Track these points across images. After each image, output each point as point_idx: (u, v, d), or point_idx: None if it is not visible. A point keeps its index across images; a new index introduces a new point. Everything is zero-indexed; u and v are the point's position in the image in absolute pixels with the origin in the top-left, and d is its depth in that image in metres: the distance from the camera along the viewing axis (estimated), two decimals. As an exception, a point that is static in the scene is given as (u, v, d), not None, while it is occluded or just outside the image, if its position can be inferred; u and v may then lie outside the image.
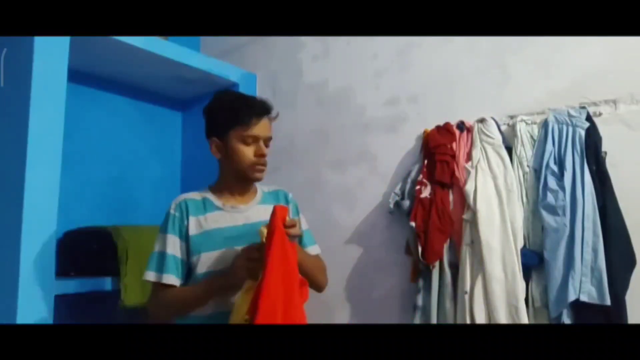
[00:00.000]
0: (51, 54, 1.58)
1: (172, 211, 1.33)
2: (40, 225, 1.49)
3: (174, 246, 1.29)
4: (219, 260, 1.29)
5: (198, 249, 1.29)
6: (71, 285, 1.65)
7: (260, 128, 1.31)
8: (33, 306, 1.45)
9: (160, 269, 1.26)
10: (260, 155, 1.32)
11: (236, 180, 1.37)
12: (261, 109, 1.32)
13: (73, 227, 1.94)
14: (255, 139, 1.31)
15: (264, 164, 1.34)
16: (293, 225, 1.20)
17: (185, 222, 1.31)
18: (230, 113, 1.31)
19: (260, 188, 1.46)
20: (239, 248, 1.26)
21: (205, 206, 1.35)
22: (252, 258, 1.17)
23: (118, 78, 2.27)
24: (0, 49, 1.64)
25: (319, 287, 1.41)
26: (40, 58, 1.55)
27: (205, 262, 1.29)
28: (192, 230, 1.30)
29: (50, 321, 1.48)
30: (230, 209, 1.35)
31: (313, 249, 1.45)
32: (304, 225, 1.46)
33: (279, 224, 1.15)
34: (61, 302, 1.58)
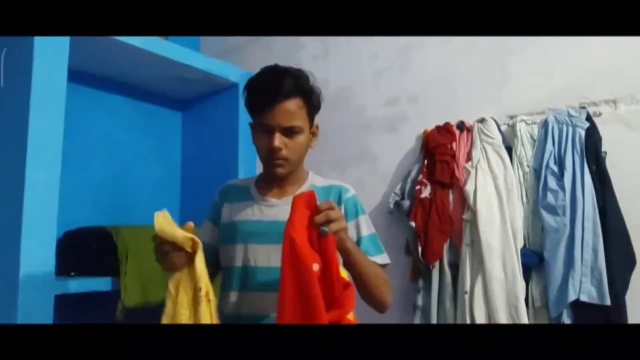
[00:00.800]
0: (51, 54, 1.58)
1: (215, 195, 1.31)
2: (40, 225, 1.49)
3: (204, 232, 1.27)
4: (235, 254, 1.19)
5: (222, 238, 1.24)
6: (71, 285, 1.64)
7: (273, 116, 1.11)
8: (33, 306, 1.45)
9: None
10: (270, 148, 1.13)
11: (266, 172, 1.24)
12: (273, 93, 1.10)
13: (73, 227, 1.94)
14: (269, 129, 1.13)
15: (281, 157, 1.15)
16: (328, 209, 0.96)
17: (221, 209, 1.26)
18: (248, 95, 1.17)
19: (313, 180, 1.27)
20: (261, 245, 1.18)
21: (242, 195, 1.25)
22: (162, 252, 0.98)
23: (118, 78, 2.27)
24: (0, 49, 1.64)
25: (379, 303, 1.16)
26: (40, 58, 1.54)
27: (224, 253, 1.23)
28: (223, 218, 1.25)
29: (50, 321, 1.48)
30: (262, 201, 1.23)
31: (376, 259, 1.19)
32: (367, 230, 1.22)
33: (292, 218, 0.93)
34: (61, 302, 1.58)
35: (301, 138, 1.17)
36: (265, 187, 1.25)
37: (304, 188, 1.24)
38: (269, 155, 1.16)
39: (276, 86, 1.11)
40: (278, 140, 1.13)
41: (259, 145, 1.17)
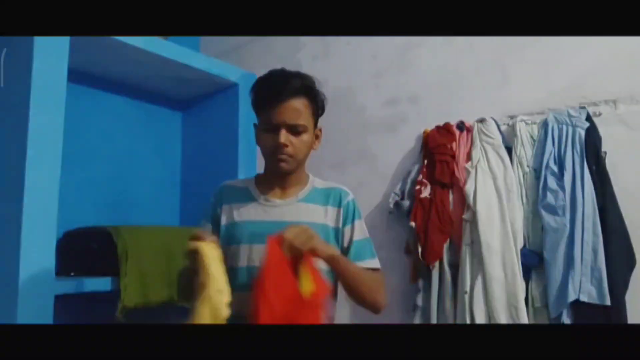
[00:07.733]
0: (51, 54, 1.58)
1: (211, 196, 1.29)
2: (40, 225, 1.49)
3: None
4: (239, 255, 1.18)
5: (225, 240, 1.21)
6: (71, 285, 1.65)
7: (279, 113, 1.13)
8: (33, 306, 1.45)
9: None
10: (276, 144, 1.15)
11: (269, 171, 1.24)
12: (280, 91, 1.13)
13: (73, 227, 1.94)
14: (275, 126, 1.15)
15: (286, 154, 1.16)
16: (291, 238, 1.03)
17: (218, 210, 1.24)
18: (254, 95, 1.20)
19: (313, 182, 1.29)
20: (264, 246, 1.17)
21: (242, 196, 1.24)
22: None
23: (118, 78, 2.27)
24: (0, 49, 1.64)
25: (373, 306, 1.19)
26: (40, 58, 1.55)
27: (227, 254, 1.18)
28: (223, 219, 1.23)
29: (50, 321, 1.48)
30: (264, 202, 1.23)
31: (367, 263, 1.20)
32: (360, 235, 1.23)
33: (267, 267, 1.01)
34: (61, 302, 1.58)
35: (306, 137, 1.18)
36: (267, 188, 1.25)
37: (305, 189, 1.26)
38: (274, 152, 1.17)
39: (283, 85, 1.14)
40: (284, 137, 1.15)
41: (265, 144, 1.18)
